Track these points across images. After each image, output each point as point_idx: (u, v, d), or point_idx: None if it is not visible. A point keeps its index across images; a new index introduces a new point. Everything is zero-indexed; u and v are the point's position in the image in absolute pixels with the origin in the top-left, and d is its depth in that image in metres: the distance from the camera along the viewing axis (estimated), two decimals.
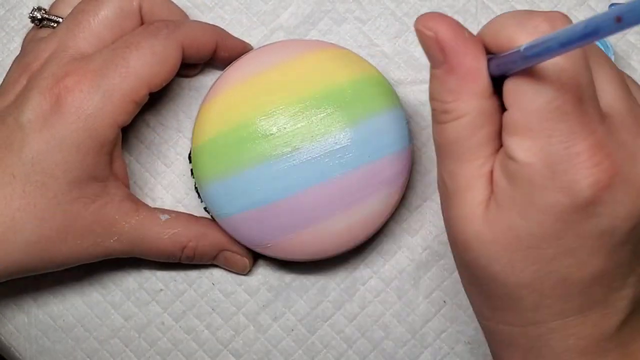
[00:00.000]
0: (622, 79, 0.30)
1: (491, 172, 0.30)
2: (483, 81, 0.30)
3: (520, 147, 0.28)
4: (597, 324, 0.31)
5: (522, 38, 0.28)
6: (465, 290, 0.34)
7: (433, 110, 0.31)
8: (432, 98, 0.31)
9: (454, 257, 0.33)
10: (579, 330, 0.31)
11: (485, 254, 0.30)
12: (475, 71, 0.29)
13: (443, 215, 0.32)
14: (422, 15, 0.30)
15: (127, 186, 0.45)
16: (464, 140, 0.30)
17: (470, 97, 0.30)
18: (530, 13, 0.29)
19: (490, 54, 0.30)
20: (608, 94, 0.29)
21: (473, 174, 0.30)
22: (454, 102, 0.30)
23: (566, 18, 0.29)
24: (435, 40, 0.29)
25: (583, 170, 0.27)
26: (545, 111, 0.28)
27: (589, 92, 0.28)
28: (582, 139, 0.27)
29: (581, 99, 0.28)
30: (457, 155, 0.30)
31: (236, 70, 0.44)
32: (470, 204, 0.30)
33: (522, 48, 0.27)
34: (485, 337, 0.35)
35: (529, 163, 0.28)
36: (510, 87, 0.29)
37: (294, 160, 0.42)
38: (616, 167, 0.28)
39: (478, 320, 0.34)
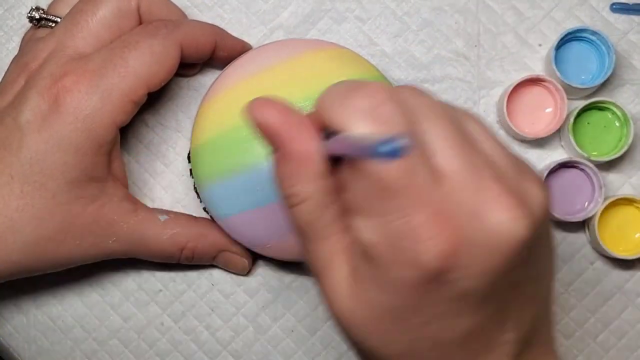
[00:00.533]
0: (455, 132, 0.29)
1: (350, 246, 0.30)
2: (317, 165, 0.29)
3: (362, 227, 0.28)
4: None
5: (344, 120, 0.28)
6: None
7: (280, 194, 0.31)
8: (276, 183, 0.31)
9: None
10: None
11: (359, 329, 0.30)
12: (308, 156, 0.29)
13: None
14: (251, 102, 0.30)
15: (126, 186, 0.44)
16: (314, 221, 0.30)
17: (308, 181, 0.30)
18: (353, 90, 0.28)
19: (328, 130, 0.30)
20: (441, 154, 0.28)
21: (331, 251, 0.30)
22: (294, 186, 0.30)
23: (387, 93, 0.28)
24: (266, 127, 0.30)
25: (425, 243, 0.27)
26: (374, 192, 0.27)
27: (416, 162, 0.27)
28: (416, 213, 0.27)
29: (408, 172, 0.27)
30: (312, 235, 0.30)
31: (235, 69, 0.44)
32: (335, 281, 0.30)
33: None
34: None
35: (374, 242, 0.28)
36: (344, 170, 0.29)
37: None
38: (459, 232, 0.27)
39: None
